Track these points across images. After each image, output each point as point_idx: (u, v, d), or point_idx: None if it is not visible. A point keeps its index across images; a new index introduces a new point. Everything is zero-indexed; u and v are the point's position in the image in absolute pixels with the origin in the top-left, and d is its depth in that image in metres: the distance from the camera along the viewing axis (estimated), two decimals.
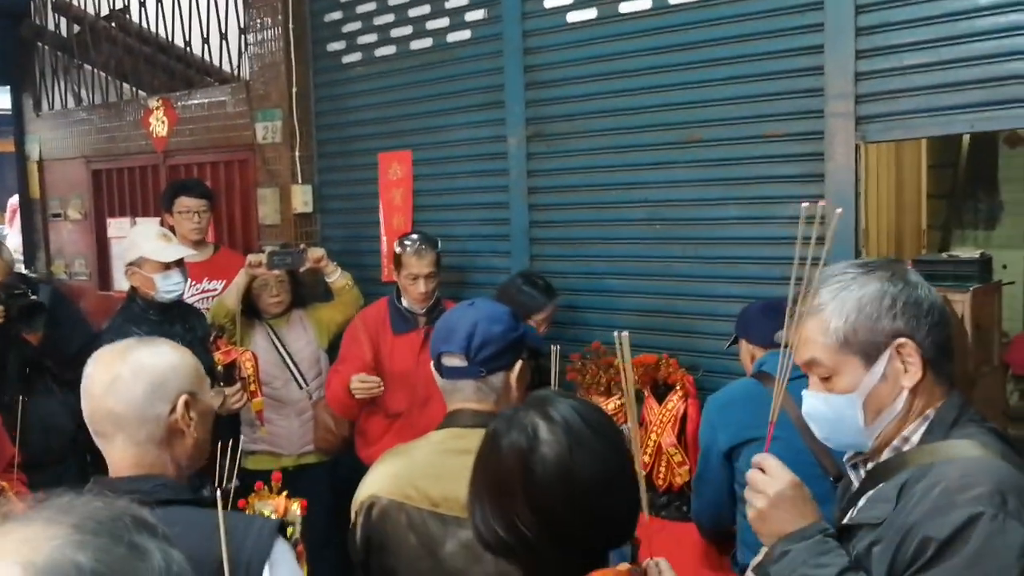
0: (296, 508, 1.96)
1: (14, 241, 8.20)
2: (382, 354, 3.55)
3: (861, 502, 1.45)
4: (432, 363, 1.89)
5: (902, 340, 1.39)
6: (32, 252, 6.79)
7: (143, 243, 3.35)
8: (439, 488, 1.74)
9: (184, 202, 4.22)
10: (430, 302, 3.53)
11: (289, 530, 1.73)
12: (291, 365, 3.86)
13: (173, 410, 1.58)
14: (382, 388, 3.39)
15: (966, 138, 8.06)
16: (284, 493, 2.01)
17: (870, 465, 1.49)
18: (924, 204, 7.96)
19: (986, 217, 8.34)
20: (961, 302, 5.35)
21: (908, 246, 7.73)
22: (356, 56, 4.44)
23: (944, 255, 6.42)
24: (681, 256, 3.37)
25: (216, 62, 5.23)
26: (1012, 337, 6.83)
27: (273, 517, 1.86)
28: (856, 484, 1.51)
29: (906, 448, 1.42)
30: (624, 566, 1.30)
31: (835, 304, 1.42)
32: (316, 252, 3.93)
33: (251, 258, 3.81)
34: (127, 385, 1.56)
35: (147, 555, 0.71)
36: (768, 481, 1.40)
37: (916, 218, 7.97)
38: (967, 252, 6.26)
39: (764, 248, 3.14)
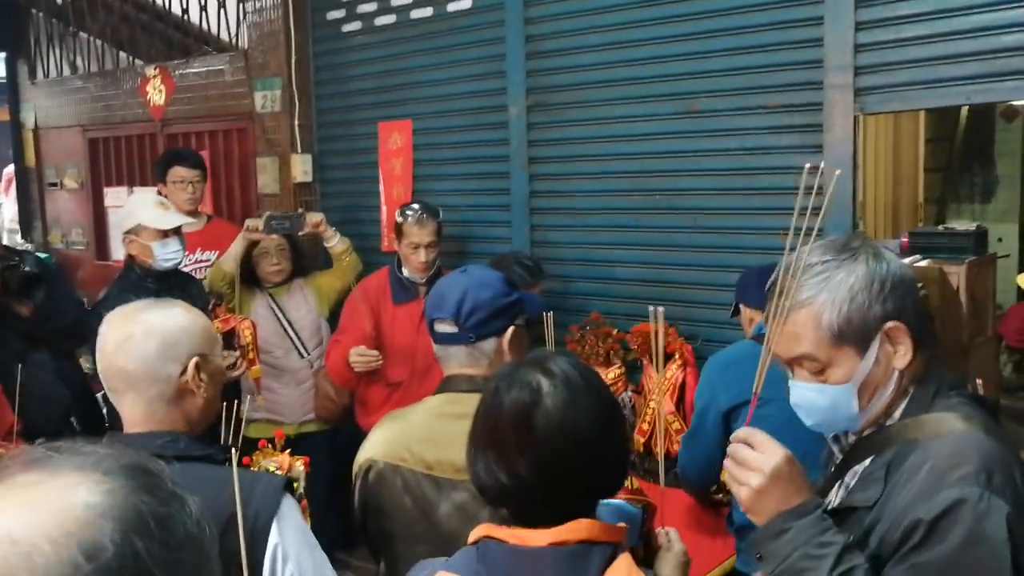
0: (299, 465, 2.00)
1: (10, 210, 8.19)
2: (383, 324, 3.57)
3: (848, 478, 1.45)
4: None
5: (892, 324, 1.37)
6: (28, 221, 6.77)
7: (141, 211, 3.35)
8: (434, 452, 1.78)
9: (178, 172, 4.18)
10: (431, 272, 3.54)
11: (295, 485, 1.78)
12: (292, 334, 3.88)
13: (184, 371, 1.61)
14: (380, 362, 3.42)
15: (963, 112, 8.07)
16: (288, 451, 2.06)
17: (852, 438, 1.48)
18: (921, 177, 7.99)
19: (982, 190, 8.37)
20: (956, 274, 5.38)
21: (905, 219, 7.76)
22: (356, 25, 4.42)
23: (940, 227, 6.46)
24: (681, 226, 3.39)
25: (214, 30, 5.20)
26: (1006, 309, 6.88)
27: (279, 474, 1.91)
28: (839, 456, 1.51)
29: (888, 422, 1.41)
30: (621, 525, 1.33)
31: (825, 296, 1.37)
32: (315, 217, 3.93)
33: (249, 222, 3.81)
34: (138, 344, 1.59)
35: (184, 501, 0.74)
36: (761, 458, 1.35)
37: (913, 191, 7.99)
38: (963, 225, 6.30)
39: (764, 219, 3.16)
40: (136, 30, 5.71)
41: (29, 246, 6.62)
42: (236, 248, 3.79)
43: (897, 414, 1.40)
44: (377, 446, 1.88)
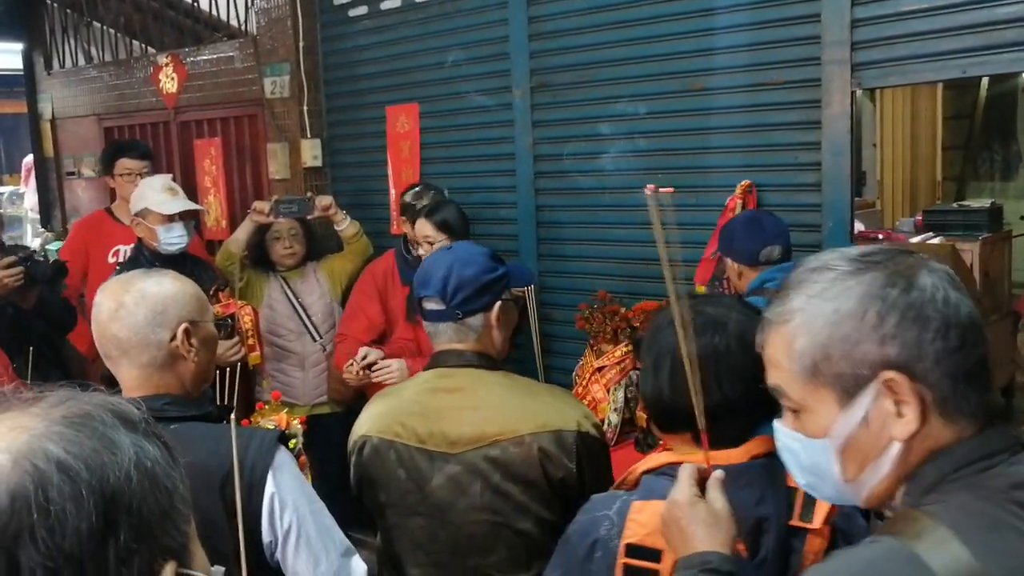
0: (296, 423, 2.07)
1: (31, 200, 8.29)
2: (391, 306, 3.60)
3: None
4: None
5: (891, 374, 0.99)
6: (48, 210, 6.85)
7: (149, 194, 3.40)
8: (426, 425, 1.83)
9: (125, 164, 4.11)
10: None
11: (292, 442, 1.84)
12: (305, 318, 3.91)
13: (173, 337, 1.68)
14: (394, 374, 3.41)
15: (983, 90, 8.00)
16: (285, 410, 2.12)
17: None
18: (940, 156, 7.94)
19: (1003, 168, 8.28)
20: (970, 251, 5.39)
21: (923, 197, 7.74)
22: (362, 9, 4.44)
23: (955, 205, 6.42)
24: (683, 204, 3.40)
25: (223, 17, 5.24)
26: None
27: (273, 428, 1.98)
28: None
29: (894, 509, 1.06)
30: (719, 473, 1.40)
31: (804, 317, 1.04)
32: (324, 200, 3.93)
33: (257, 205, 3.84)
34: (129, 312, 1.66)
35: (118, 448, 0.78)
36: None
37: (931, 170, 7.97)
38: (979, 202, 6.27)
39: (764, 196, 3.17)
40: (148, 18, 5.76)
41: (49, 235, 6.73)
42: (243, 230, 3.83)
43: (897, 503, 1.04)
44: (370, 422, 1.93)
